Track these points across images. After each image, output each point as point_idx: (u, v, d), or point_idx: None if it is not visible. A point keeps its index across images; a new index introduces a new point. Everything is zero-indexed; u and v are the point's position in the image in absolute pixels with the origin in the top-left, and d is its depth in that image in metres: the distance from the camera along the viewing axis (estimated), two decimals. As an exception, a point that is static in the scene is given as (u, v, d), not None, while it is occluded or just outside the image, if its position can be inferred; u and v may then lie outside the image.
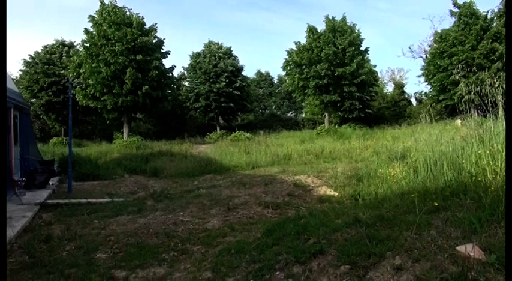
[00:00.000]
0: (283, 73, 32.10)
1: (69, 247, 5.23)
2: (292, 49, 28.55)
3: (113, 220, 6.74)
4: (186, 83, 36.10)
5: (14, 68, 30.64)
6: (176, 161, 15.60)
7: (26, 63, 30.33)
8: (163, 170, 13.99)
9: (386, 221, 4.38)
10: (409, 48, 52.18)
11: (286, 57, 28.72)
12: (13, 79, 21.07)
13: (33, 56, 30.28)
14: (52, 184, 10.68)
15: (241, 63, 34.11)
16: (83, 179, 12.41)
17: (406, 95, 40.48)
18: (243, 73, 34.45)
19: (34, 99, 29.03)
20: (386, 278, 3.14)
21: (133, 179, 12.77)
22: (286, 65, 28.80)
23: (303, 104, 41.82)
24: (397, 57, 71.57)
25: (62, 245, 5.29)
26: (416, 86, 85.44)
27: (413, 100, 41.00)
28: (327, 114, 29.37)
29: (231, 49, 34.07)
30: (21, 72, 31.14)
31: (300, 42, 28.33)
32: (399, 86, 41.44)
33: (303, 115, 46.40)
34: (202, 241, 5.31)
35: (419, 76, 32.69)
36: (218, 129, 32.94)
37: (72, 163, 10.82)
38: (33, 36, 73.44)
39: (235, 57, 34.05)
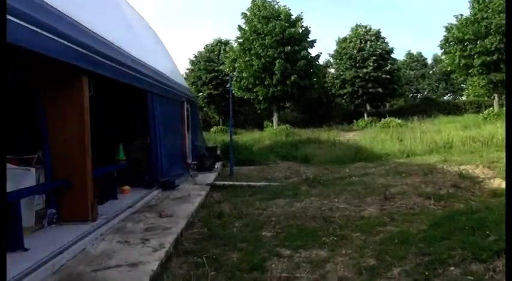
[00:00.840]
0: (439, 52, 28.89)
1: (238, 224, 5.82)
2: (451, 24, 25.37)
3: (271, 203, 7.21)
4: (332, 70, 35.83)
5: (182, 67, 35.89)
6: (325, 148, 15.72)
7: (191, 62, 34.76)
8: (313, 157, 14.27)
9: None
10: None
11: (445, 33, 25.67)
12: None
13: (197, 55, 34.48)
14: (217, 168, 12.01)
15: (390, 45, 32.04)
16: (241, 164, 13.50)
17: None
18: (392, 56, 32.32)
19: (200, 94, 32.99)
20: None
21: (285, 165, 13.41)
22: (445, 43, 25.74)
23: (463, 85, 36.96)
24: None
25: (232, 222, 5.91)
26: None
27: None
28: (496, 95, 25.32)
29: (380, 31, 32.25)
30: (187, 71, 35.85)
31: (461, 15, 24.97)
32: None
33: (464, 98, 41.05)
34: (361, 228, 5.25)
35: None
36: (365, 115, 31.83)
37: (231, 149, 11.94)
38: (200, 37, 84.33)
39: (384, 39, 32.12)
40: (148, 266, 3.81)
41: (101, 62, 5.11)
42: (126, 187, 7.30)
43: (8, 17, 3.00)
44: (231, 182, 9.33)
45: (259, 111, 28.84)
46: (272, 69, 23.98)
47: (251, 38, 24.62)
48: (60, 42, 3.93)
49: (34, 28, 3.45)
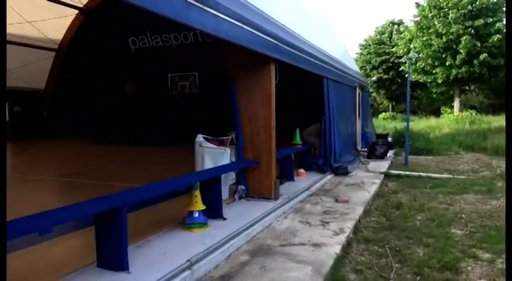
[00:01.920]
0: None
1: (420, 217, 5.39)
2: None
3: (458, 198, 6.45)
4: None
5: (352, 51, 35.24)
6: (525, 139, 13.15)
7: (360, 46, 33.78)
8: (508, 148, 12.12)
9: None
10: None
11: None
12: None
13: (367, 39, 33.25)
14: (389, 156, 11.40)
15: None
16: (416, 153, 12.52)
17: None
18: None
19: (374, 78, 31.74)
20: None
21: (471, 156, 11.83)
22: None
23: None
24: None
25: (412, 215, 5.50)
26: None
27: None
28: None
29: None
30: (356, 55, 34.99)
31: None
32: None
33: None
34: None
35: None
36: None
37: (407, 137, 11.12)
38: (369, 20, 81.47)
39: None
40: (331, 249, 3.87)
41: (286, 50, 5.39)
42: (302, 170, 7.61)
43: (222, 15, 3.45)
44: (407, 172, 8.72)
45: (434, 95, 26.05)
46: (456, 47, 21.17)
47: (430, 14, 22.19)
48: (256, 35, 4.30)
49: (237, 23, 3.86)
